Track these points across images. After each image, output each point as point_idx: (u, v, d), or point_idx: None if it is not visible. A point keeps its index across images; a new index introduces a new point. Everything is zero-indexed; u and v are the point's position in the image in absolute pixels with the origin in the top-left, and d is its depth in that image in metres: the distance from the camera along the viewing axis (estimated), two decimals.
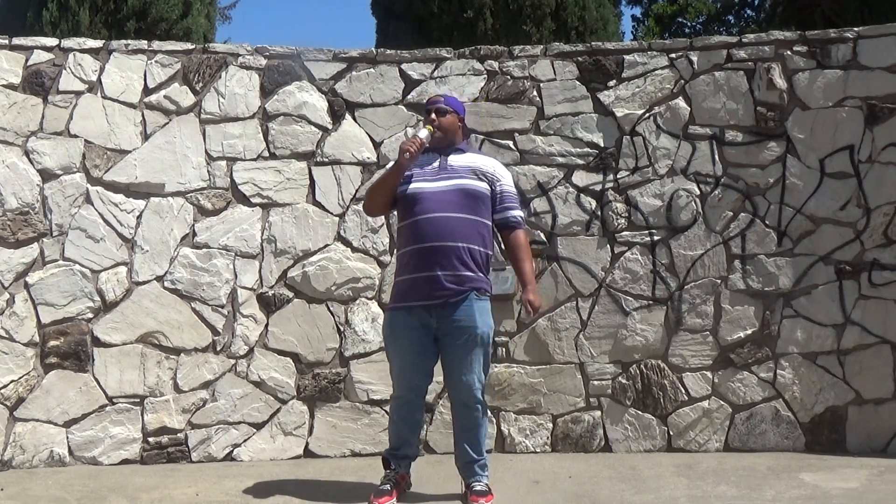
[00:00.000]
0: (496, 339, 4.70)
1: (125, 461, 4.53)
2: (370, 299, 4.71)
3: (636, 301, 4.72)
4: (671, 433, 4.67)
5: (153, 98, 4.75)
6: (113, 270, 4.63)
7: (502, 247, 4.71)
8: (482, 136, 4.81)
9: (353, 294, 4.72)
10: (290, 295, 4.72)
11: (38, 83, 4.66)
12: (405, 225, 3.72)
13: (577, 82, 4.84)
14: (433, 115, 3.76)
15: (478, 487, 3.64)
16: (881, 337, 4.61)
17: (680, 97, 4.80)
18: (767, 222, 4.71)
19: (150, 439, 4.57)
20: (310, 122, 4.82)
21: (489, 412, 4.64)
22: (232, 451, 4.61)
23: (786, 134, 4.73)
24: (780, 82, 4.73)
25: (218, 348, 4.65)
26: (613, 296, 4.73)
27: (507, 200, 3.76)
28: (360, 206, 4.60)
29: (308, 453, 4.65)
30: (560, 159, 4.80)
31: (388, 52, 4.95)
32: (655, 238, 4.75)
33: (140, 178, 4.69)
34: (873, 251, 4.64)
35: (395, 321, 3.71)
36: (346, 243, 4.76)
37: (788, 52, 4.76)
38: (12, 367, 4.50)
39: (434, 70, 4.88)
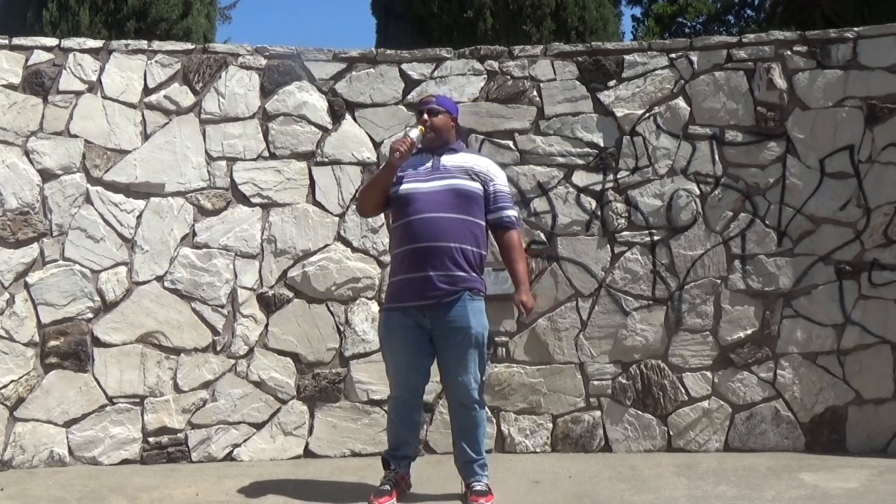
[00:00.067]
0: (496, 339, 4.71)
1: (125, 461, 4.53)
2: (370, 299, 4.71)
3: (636, 301, 4.72)
4: (671, 433, 4.67)
5: (153, 98, 4.75)
6: (113, 270, 4.63)
7: None
8: (482, 136, 4.81)
9: (353, 294, 4.72)
10: (290, 295, 4.72)
11: (38, 83, 4.66)
12: (398, 225, 3.72)
13: (577, 82, 4.84)
14: (425, 116, 3.76)
15: (478, 487, 3.64)
16: (881, 337, 4.61)
17: (680, 97, 4.80)
18: (767, 222, 4.71)
19: (150, 439, 4.57)
20: (310, 122, 4.82)
21: (489, 412, 4.66)
22: (232, 451, 4.62)
23: (786, 134, 4.73)
24: (780, 82, 4.73)
25: (218, 348, 4.66)
26: (613, 296, 4.73)
27: (500, 200, 3.75)
28: None
29: (308, 453, 4.65)
30: (560, 159, 4.80)
31: (388, 52, 4.95)
32: (655, 238, 4.75)
33: (140, 178, 4.69)
34: (873, 251, 4.64)
35: (389, 322, 3.72)
36: (346, 243, 4.76)
37: (788, 52, 4.76)
38: (12, 367, 4.50)
39: (434, 70, 4.88)
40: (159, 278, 4.66)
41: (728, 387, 4.68)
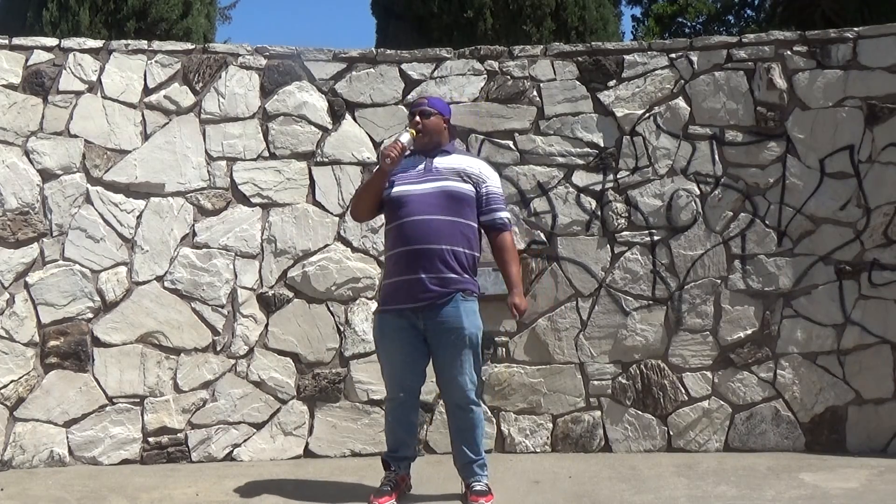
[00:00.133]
0: (496, 339, 4.71)
1: (125, 461, 4.53)
2: (370, 299, 4.71)
3: (636, 301, 4.72)
4: (671, 433, 4.67)
5: (153, 98, 4.75)
6: (113, 270, 4.63)
7: None
8: (482, 136, 4.81)
9: (353, 294, 4.72)
10: (290, 295, 4.72)
11: (38, 83, 4.66)
12: (391, 228, 3.73)
13: (577, 82, 4.84)
14: (417, 118, 3.76)
15: (478, 487, 3.64)
16: (881, 337, 4.61)
17: (680, 97, 4.80)
18: (767, 222, 4.71)
19: (150, 439, 4.57)
20: (310, 122, 4.82)
21: (489, 412, 4.66)
22: (232, 451, 4.62)
23: (786, 134, 4.73)
24: (780, 82, 4.73)
25: (218, 348, 4.66)
26: (613, 296, 4.73)
27: (492, 202, 3.74)
28: None
29: (308, 453, 4.65)
30: (560, 159, 4.80)
31: (388, 52, 4.95)
32: (655, 238, 4.75)
33: (140, 178, 4.69)
34: (873, 251, 4.64)
35: (383, 323, 3.73)
36: (346, 243, 4.76)
37: (788, 52, 4.76)
38: (12, 367, 4.50)
39: (434, 70, 4.88)
40: (159, 278, 4.66)
41: (728, 387, 4.68)
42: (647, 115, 4.79)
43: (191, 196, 4.72)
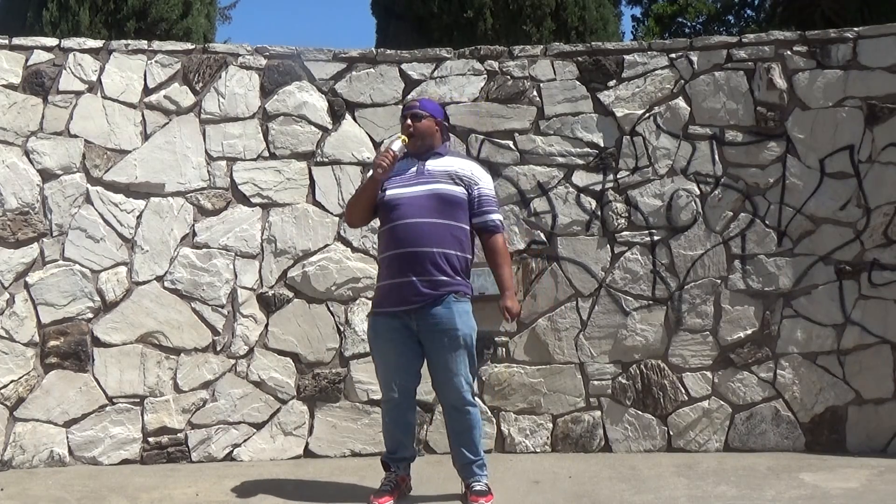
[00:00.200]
0: (496, 339, 4.71)
1: (125, 461, 4.53)
2: (370, 299, 4.70)
3: (636, 301, 4.72)
4: (671, 433, 4.67)
5: (153, 98, 4.75)
6: (113, 270, 4.63)
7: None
8: (482, 136, 4.81)
9: (353, 294, 4.72)
10: (290, 295, 4.72)
11: (38, 83, 4.66)
12: (384, 231, 3.74)
13: (577, 82, 4.84)
14: (409, 121, 3.76)
15: (477, 487, 3.64)
16: (881, 337, 4.61)
17: (680, 97, 4.80)
18: (767, 222, 4.71)
19: (150, 439, 4.57)
20: (310, 122, 4.82)
21: (489, 412, 4.66)
22: (232, 451, 4.62)
23: (786, 134, 4.72)
24: (780, 82, 4.73)
25: (218, 348, 4.66)
26: (613, 296, 4.73)
27: (484, 204, 3.73)
28: None
29: (308, 453, 4.65)
30: (560, 159, 4.80)
31: (388, 52, 4.95)
32: (655, 238, 4.75)
33: (140, 178, 4.69)
34: (873, 251, 4.64)
35: (376, 325, 3.73)
36: (346, 243, 4.76)
37: (788, 52, 4.76)
38: (12, 367, 4.50)
39: (434, 70, 4.88)
40: (159, 278, 4.66)
41: (728, 387, 4.68)
42: (647, 115, 4.79)
43: (191, 196, 4.72)
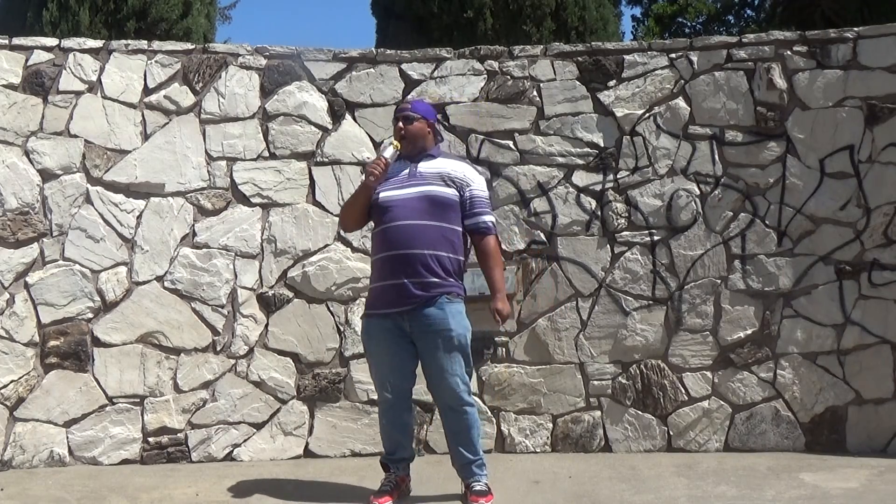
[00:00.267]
0: (496, 339, 4.71)
1: (125, 461, 4.53)
2: None
3: (636, 301, 4.72)
4: (671, 433, 4.67)
5: (153, 98, 4.75)
6: (113, 270, 4.63)
7: (502, 247, 4.74)
8: (482, 136, 4.81)
9: (353, 294, 4.72)
10: (290, 295, 4.72)
11: (38, 83, 4.66)
12: (376, 233, 3.75)
13: (577, 82, 4.84)
14: (400, 124, 3.76)
15: (477, 487, 3.64)
16: (881, 337, 4.61)
17: (680, 97, 4.80)
18: (767, 222, 4.70)
19: (150, 439, 4.57)
20: (310, 122, 4.82)
21: (489, 412, 4.66)
22: (232, 451, 4.62)
23: (786, 134, 4.72)
24: (780, 82, 4.73)
25: (218, 348, 4.66)
26: (613, 296, 4.73)
27: (477, 206, 3.73)
28: None
29: (308, 453, 4.65)
30: (560, 159, 4.80)
31: (388, 52, 4.95)
32: (655, 238, 4.75)
33: (140, 178, 4.69)
34: (873, 251, 4.64)
35: (370, 327, 3.74)
36: (346, 243, 4.76)
37: (788, 52, 4.76)
38: (12, 367, 4.50)
39: (434, 70, 4.88)
40: (159, 278, 4.66)
41: (728, 387, 4.68)
42: (647, 115, 4.79)
43: (191, 196, 4.72)
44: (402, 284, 3.58)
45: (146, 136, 4.73)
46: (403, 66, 4.88)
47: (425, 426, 4.63)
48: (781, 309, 4.67)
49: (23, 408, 4.50)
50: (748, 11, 15.84)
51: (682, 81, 4.81)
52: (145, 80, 4.75)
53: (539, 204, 4.78)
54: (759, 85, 4.75)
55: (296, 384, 4.68)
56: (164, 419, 4.58)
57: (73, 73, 4.70)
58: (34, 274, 4.56)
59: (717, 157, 4.75)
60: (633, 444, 4.67)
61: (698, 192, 4.75)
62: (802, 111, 4.73)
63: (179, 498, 3.89)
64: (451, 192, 3.69)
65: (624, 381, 4.70)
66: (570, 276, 4.75)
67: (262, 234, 4.74)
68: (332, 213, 4.76)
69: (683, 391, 4.69)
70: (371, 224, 4.67)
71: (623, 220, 4.76)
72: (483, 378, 4.70)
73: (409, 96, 4.81)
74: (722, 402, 4.67)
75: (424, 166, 3.74)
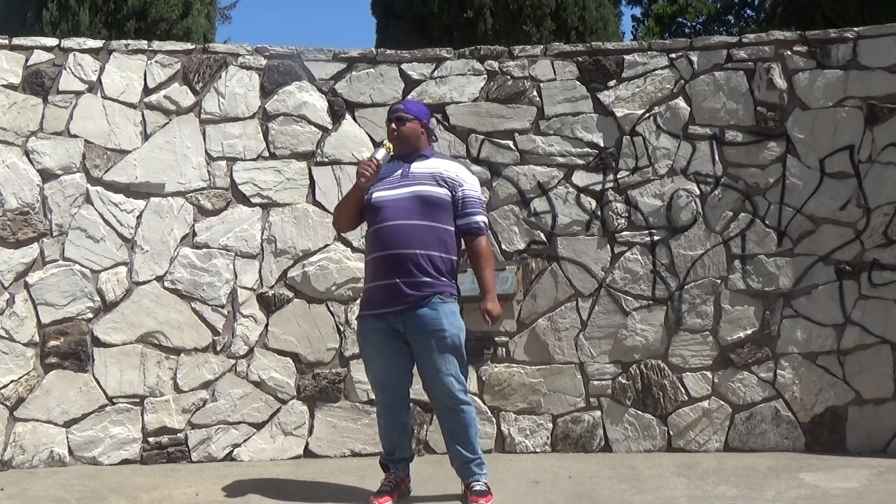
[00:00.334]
0: (496, 339, 4.71)
1: (125, 461, 4.53)
2: None
3: (636, 301, 4.72)
4: (671, 433, 4.67)
5: (153, 98, 4.75)
6: (113, 270, 4.63)
7: (502, 247, 4.75)
8: (482, 136, 4.81)
9: (354, 294, 4.72)
10: (290, 295, 4.72)
11: (38, 83, 4.66)
12: (369, 233, 3.76)
13: (577, 82, 4.84)
14: (393, 125, 3.76)
15: (477, 487, 3.64)
16: (881, 337, 4.61)
17: (680, 97, 4.80)
18: (767, 222, 4.70)
19: (150, 439, 4.57)
20: (310, 122, 4.82)
21: (489, 412, 4.66)
22: (232, 451, 4.62)
23: (786, 134, 4.72)
24: (780, 82, 4.73)
25: (218, 348, 4.65)
26: (613, 296, 4.73)
27: (468, 206, 3.72)
28: None
29: (308, 453, 4.65)
30: (560, 159, 4.80)
31: (388, 52, 4.95)
32: (655, 238, 4.75)
33: (140, 178, 4.69)
34: (873, 251, 4.64)
35: (364, 327, 3.74)
36: (346, 243, 4.76)
37: (788, 52, 4.76)
38: (12, 367, 4.50)
39: (434, 70, 4.88)
40: (159, 278, 4.66)
41: (728, 387, 4.67)
42: (647, 115, 4.79)
43: (191, 196, 4.72)
44: (395, 284, 3.58)
45: (146, 136, 4.73)
46: (403, 66, 4.88)
47: (425, 426, 4.63)
48: (781, 309, 4.67)
49: (23, 408, 4.50)
50: (748, 11, 15.87)
51: (682, 81, 4.81)
52: (145, 80, 4.75)
53: (539, 204, 4.78)
54: (759, 85, 4.75)
55: (296, 384, 4.68)
56: (164, 419, 4.58)
57: (73, 73, 4.70)
58: (34, 274, 4.56)
59: (717, 157, 4.75)
60: (633, 444, 4.67)
61: (698, 192, 4.75)
62: (802, 111, 4.73)
63: (179, 498, 3.89)
64: (442, 192, 3.69)
65: (624, 381, 4.70)
66: (570, 276, 4.75)
67: (262, 234, 4.74)
68: (332, 214, 4.75)
69: (683, 391, 4.69)
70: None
71: (623, 220, 4.76)
72: (483, 378, 4.70)
73: (409, 96, 4.81)
74: (722, 402, 4.67)
75: (417, 166, 3.74)
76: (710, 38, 5.02)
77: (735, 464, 4.33)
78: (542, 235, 4.77)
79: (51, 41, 4.78)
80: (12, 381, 4.49)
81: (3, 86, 4.63)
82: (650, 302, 4.72)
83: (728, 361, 4.68)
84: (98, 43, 4.80)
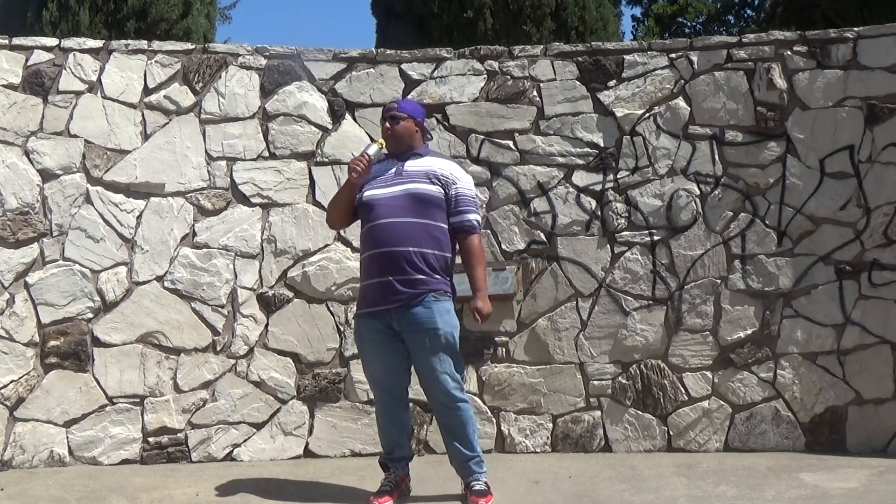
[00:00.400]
0: (496, 339, 4.71)
1: (125, 461, 4.53)
2: None
3: (636, 301, 4.72)
4: (671, 433, 4.67)
5: (153, 98, 4.75)
6: (113, 270, 4.63)
7: (502, 247, 4.75)
8: (482, 136, 4.81)
9: (353, 294, 4.70)
10: (290, 295, 4.72)
11: (38, 83, 4.66)
12: (363, 231, 3.76)
13: (577, 82, 4.84)
14: (387, 124, 3.77)
15: (477, 487, 3.64)
16: (881, 337, 4.61)
17: (680, 97, 4.80)
18: (767, 222, 4.70)
19: (150, 439, 4.57)
20: (310, 122, 4.82)
21: (489, 412, 4.66)
22: (232, 451, 4.61)
23: (786, 134, 4.72)
24: (780, 82, 4.73)
25: (218, 348, 4.65)
26: (613, 296, 4.73)
27: (462, 204, 3.72)
28: None
29: (308, 453, 4.65)
30: (560, 159, 4.80)
31: (388, 52, 4.95)
32: (655, 238, 4.75)
33: (140, 178, 4.69)
34: (873, 251, 4.64)
35: (360, 327, 3.76)
36: (346, 243, 4.76)
37: (788, 52, 4.76)
38: (12, 367, 4.50)
39: (434, 70, 4.88)
40: (159, 278, 4.66)
41: (728, 387, 4.67)
42: (647, 115, 4.79)
43: (191, 196, 4.72)
44: (388, 282, 3.58)
45: (146, 136, 4.72)
46: (403, 66, 4.88)
47: (425, 426, 4.63)
48: (781, 309, 4.67)
49: (23, 408, 4.50)
50: (748, 11, 15.86)
51: (682, 81, 4.81)
52: (145, 80, 4.75)
53: (539, 204, 4.78)
54: (759, 85, 4.75)
55: (296, 384, 4.68)
56: (164, 419, 4.58)
57: (73, 73, 4.70)
58: (34, 274, 4.56)
59: (717, 157, 4.75)
60: (633, 444, 4.67)
61: (698, 192, 4.74)
62: (802, 111, 4.73)
63: (179, 498, 3.89)
64: (435, 190, 3.69)
65: (624, 381, 4.70)
66: (570, 276, 4.75)
67: (262, 234, 4.74)
68: None
69: (683, 391, 4.69)
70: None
71: (623, 220, 4.76)
72: (483, 378, 4.70)
73: (409, 96, 4.81)
74: (722, 402, 4.67)
75: (411, 165, 3.75)
76: (710, 38, 5.02)
77: (735, 464, 4.33)
78: (542, 235, 4.77)
79: (51, 41, 4.78)
80: (12, 381, 4.49)
81: (3, 86, 4.63)
82: (650, 302, 4.72)
83: (728, 361, 4.68)
84: (98, 43, 4.80)
